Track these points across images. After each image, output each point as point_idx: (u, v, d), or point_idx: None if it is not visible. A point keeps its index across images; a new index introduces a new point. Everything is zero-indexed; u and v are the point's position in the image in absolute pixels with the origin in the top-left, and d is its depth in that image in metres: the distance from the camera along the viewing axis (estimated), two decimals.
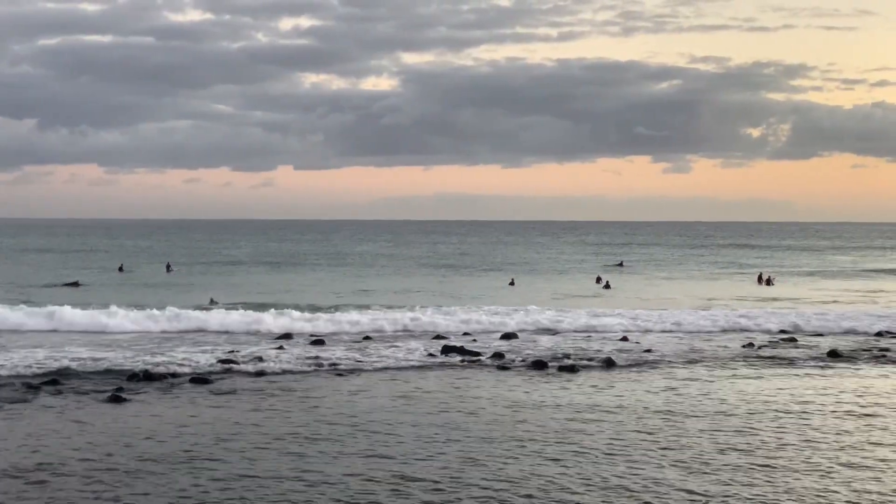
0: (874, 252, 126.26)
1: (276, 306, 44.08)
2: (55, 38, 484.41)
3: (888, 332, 37.67)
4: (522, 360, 29.37)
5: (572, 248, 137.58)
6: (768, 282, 68.21)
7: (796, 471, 16.31)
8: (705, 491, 15.06)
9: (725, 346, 33.33)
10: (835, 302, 53.89)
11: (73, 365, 27.20)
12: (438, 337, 35.34)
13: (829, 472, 16.21)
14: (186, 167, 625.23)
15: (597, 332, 37.50)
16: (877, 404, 22.57)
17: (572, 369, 27.60)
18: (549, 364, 28.47)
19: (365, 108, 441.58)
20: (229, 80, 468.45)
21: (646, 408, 21.89)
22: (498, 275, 76.36)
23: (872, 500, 14.77)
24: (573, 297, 55.00)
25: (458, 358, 29.82)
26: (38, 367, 26.56)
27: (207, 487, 15.13)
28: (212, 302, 47.36)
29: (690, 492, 15.02)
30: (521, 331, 37.26)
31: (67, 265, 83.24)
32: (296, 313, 39.90)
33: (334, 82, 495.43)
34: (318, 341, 33.69)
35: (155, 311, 39.13)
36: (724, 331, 38.32)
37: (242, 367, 27.42)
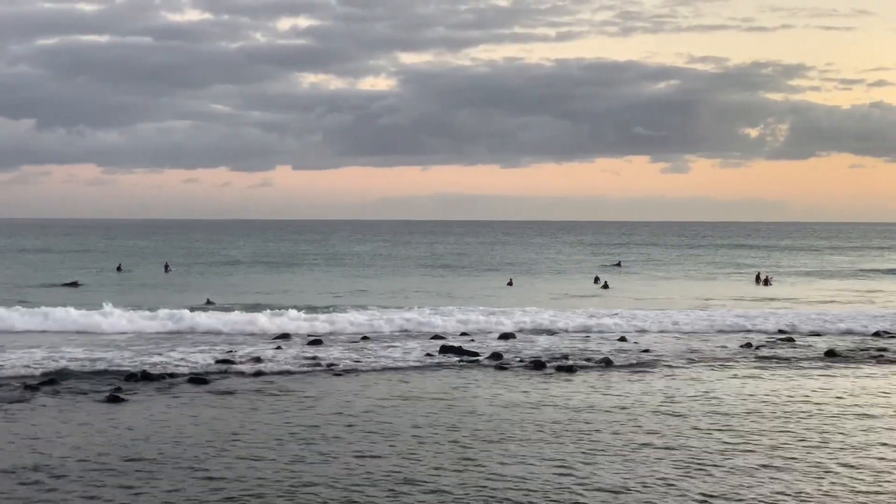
0: (872, 252, 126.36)
1: (275, 306, 44.11)
2: (53, 38, 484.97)
3: (886, 332, 37.69)
4: (520, 361, 29.38)
5: (570, 248, 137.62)
6: (766, 282, 68.25)
7: (794, 471, 16.32)
8: (704, 491, 15.07)
9: (723, 346, 33.35)
10: (832, 302, 53.95)
11: (71, 365, 27.19)
12: (436, 337, 35.34)
13: (827, 473, 16.22)
14: (184, 167, 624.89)
15: (595, 332, 37.52)
16: (874, 405, 22.59)
17: (570, 369, 27.61)
18: (548, 364, 28.48)
19: (363, 108, 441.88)
20: (227, 80, 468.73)
21: (644, 408, 21.90)
22: (496, 275, 76.37)
23: (871, 500, 14.78)
24: (571, 297, 55.01)
25: (456, 358, 29.81)
26: (36, 368, 26.54)
27: (205, 488, 15.12)
28: (208, 302, 47.34)
29: (688, 492, 15.03)
30: (520, 331, 37.27)
31: (65, 265, 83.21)
32: (294, 313, 39.87)
33: (332, 82, 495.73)
34: (315, 341, 33.69)
35: (151, 312, 39.10)
36: (722, 331, 38.34)
37: (240, 367, 27.41)
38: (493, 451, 17.61)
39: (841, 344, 34.25)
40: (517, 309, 43.94)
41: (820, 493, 15.07)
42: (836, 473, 16.19)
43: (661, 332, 37.85)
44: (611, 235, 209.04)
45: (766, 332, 37.84)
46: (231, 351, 30.53)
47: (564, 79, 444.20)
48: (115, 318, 37.85)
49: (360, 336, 35.58)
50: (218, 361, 28.19)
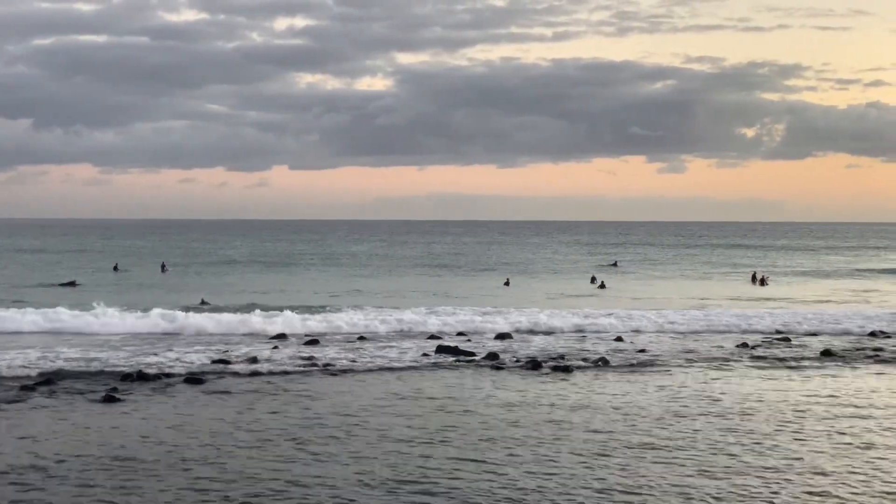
0: (868, 252, 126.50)
1: (271, 306, 44.09)
2: (50, 37, 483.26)
3: (882, 332, 37.73)
4: (517, 361, 29.39)
5: (567, 248, 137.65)
6: (762, 282, 68.33)
7: (791, 470, 16.34)
8: (700, 491, 15.08)
9: (720, 346, 33.37)
10: (829, 302, 54.01)
11: (67, 366, 27.17)
12: (433, 337, 35.35)
13: (823, 472, 16.24)
14: (181, 167, 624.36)
15: (591, 332, 37.54)
16: (870, 405, 22.62)
17: (567, 369, 27.62)
18: (544, 364, 28.49)
19: (360, 109, 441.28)
20: (224, 80, 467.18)
21: (640, 408, 21.92)
22: (493, 275, 76.38)
23: (868, 499, 14.80)
24: (568, 297, 55.04)
25: (453, 358, 29.82)
26: (32, 368, 26.52)
27: (201, 488, 15.12)
28: (203, 303, 47.29)
29: (686, 492, 15.04)
30: (516, 331, 37.28)
31: (63, 265, 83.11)
32: (290, 313, 39.86)
33: (329, 82, 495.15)
34: (312, 341, 33.69)
35: (147, 312, 39.07)
36: (719, 331, 38.36)
37: (236, 367, 27.40)
38: (489, 451, 17.62)
39: (837, 344, 34.29)
40: (514, 309, 43.97)
41: (817, 492, 15.09)
42: (832, 473, 16.20)
43: (658, 332, 37.88)
44: (607, 235, 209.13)
45: (762, 332, 37.87)
46: (227, 351, 30.52)
47: (561, 79, 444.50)
48: (109, 319, 37.82)
49: (357, 336, 35.58)
50: (214, 361, 28.18)
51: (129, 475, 15.80)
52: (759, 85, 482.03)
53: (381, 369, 27.84)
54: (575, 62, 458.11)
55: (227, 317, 38.63)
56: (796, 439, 18.73)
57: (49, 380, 24.81)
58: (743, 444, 18.22)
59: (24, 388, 23.78)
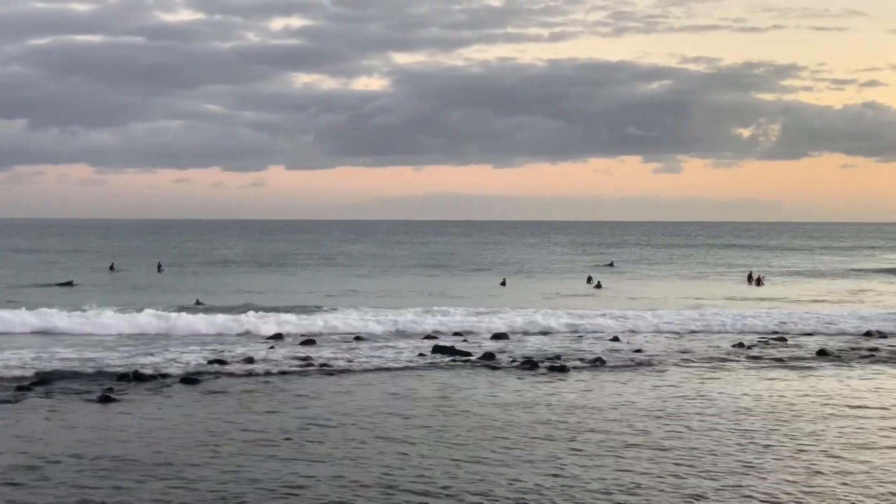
0: (864, 252, 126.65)
1: (267, 306, 44.03)
2: (46, 37, 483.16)
3: (877, 332, 37.78)
4: (513, 361, 29.40)
5: (563, 248, 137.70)
6: (758, 281, 68.39)
7: (786, 470, 16.36)
8: (697, 490, 15.10)
9: (716, 346, 33.40)
10: (824, 301, 54.08)
11: (63, 366, 27.12)
12: (429, 337, 35.35)
13: (819, 472, 16.26)
14: (177, 167, 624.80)
15: (587, 332, 37.55)
16: (866, 405, 22.65)
17: (563, 369, 27.64)
18: (540, 364, 28.50)
19: (356, 108, 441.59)
20: (220, 80, 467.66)
21: (636, 408, 21.94)
22: (489, 275, 76.39)
23: (865, 499, 14.82)
24: (564, 297, 55.05)
25: (449, 358, 29.83)
26: (28, 368, 26.47)
27: (196, 488, 15.11)
28: (197, 303, 47.24)
29: (681, 491, 15.06)
30: (512, 331, 37.28)
31: (59, 265, 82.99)
32: (286, 314, 39.84)
33: (325, 82, 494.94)
34: (308, 341, 33.68)
35: (143, 312, 39.02)
36: (715, 331, 38.39)
37: (233, 367, 27.39)
38: (486, 450, 17.62)
39: (832, 343, 34.33)
40: (510, 309, 43.99)
41: (813, 492, 15.11)
42: (828, 474, 16.23)
43: (654, 332, 37.89)
44: (603, 235, 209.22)
45: (757, 332, 37.91)
46: (224, 351, 30.50)
47: (557, 79, 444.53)
48: (104, 319, 37.76)
49: (353, 336, 35.56)
50: (210, 362, 28.16)
51: (125, 475, 15.79)
52: (755, 85, 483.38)
53: (378, 369, 27.83)
54: (571, 62, 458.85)
55: (222, 317, 38.59)
56: (792, 439, 18.76)
57: (45, 380, 24.79)
58: (739, 444, 18.24)
59: (19, 388, 23.74)
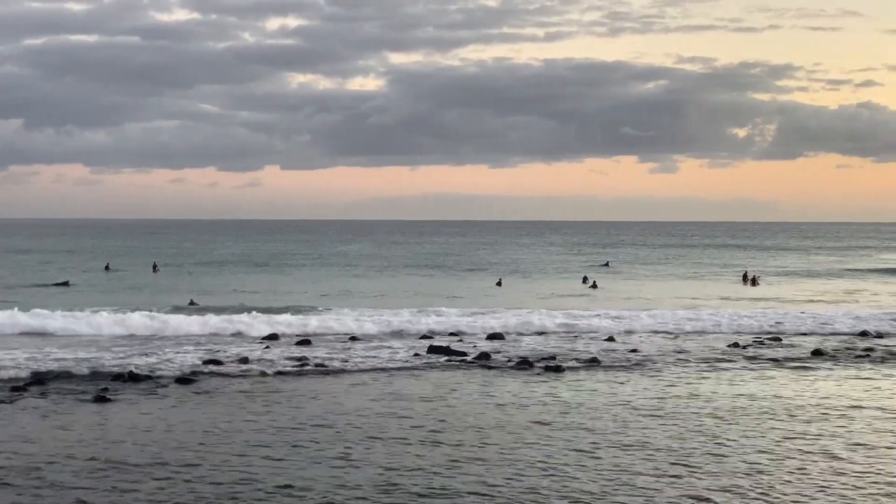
0: (859, 252, 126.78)
1: (263, 306, 44.00)
2: (41, 37, 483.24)
3: (872, 332, 37.82)
4: (508, 361, 29.40)
5: (559, 248, 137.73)
6: (753, 281, 68.44)
7: (782, 469, 16.37)
8: (693, 491, 15.10)
9: (711, 346, 33.42)
10: (819, 301, 54.13)
11: (58, 366, 27.06)
12: (424, 337, 35.34)
13: (814, 472, 16.28)
14: (172, 167, 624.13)
15: (583, 332, 37.54)
16: (860, 406, 22.67)
17: (558, 369, 27.64)
18: (536, 364, 28.51)
19: (352, 109, 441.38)
20: (215, 80, 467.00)
21: (632, 408, 21.94)
22: (485, 275, 76.39)
23: (860, 499, 14.84)
24: (560, 297, 55.08)
25: (444, 358, 29.82)
26: (23, 369, 26.41)
27: (191, 488, 15.09)
28: (191, 303, 47.19)
29: (678, 490, 15.06)
30: (508, 331, 37.25)
31: (55, 265, 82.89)
32: (282, 314, 39.80)
33: (321, 82, 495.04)
34: (304, 342, 33.65)
35: (138, 312, 38.95)
36: (710, 331, 38.40)
37: (228, 367, 27.37)
38: (482, 450, 17.62)
39: (827, 343, 34.37)
40: (505, 309, 43.99)
41: (809, 492, 15.12)
42: (824, 473, 16.24)
43: (649, 332, 37.90)
44: (599, 235, 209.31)
45: (753, 332, 37.93)
46: (219, 351, 30.47)
47: (553, 79, 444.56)
48: (99, 319, 37.68)
49: (348, 336, 35.53)
50: (205, 362, 28.13)
51: (120, 475, 15.77)
52: (751, 85, 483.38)
53: (373, 369, 27.82)
54: (567, 62, 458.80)
55: (218, 317, 38.56)
56: (787, 438, 18.78)
57: (40, 380, 24.76)
58: (734, 444, 18.25)
59: (14, 388, 23.72)
